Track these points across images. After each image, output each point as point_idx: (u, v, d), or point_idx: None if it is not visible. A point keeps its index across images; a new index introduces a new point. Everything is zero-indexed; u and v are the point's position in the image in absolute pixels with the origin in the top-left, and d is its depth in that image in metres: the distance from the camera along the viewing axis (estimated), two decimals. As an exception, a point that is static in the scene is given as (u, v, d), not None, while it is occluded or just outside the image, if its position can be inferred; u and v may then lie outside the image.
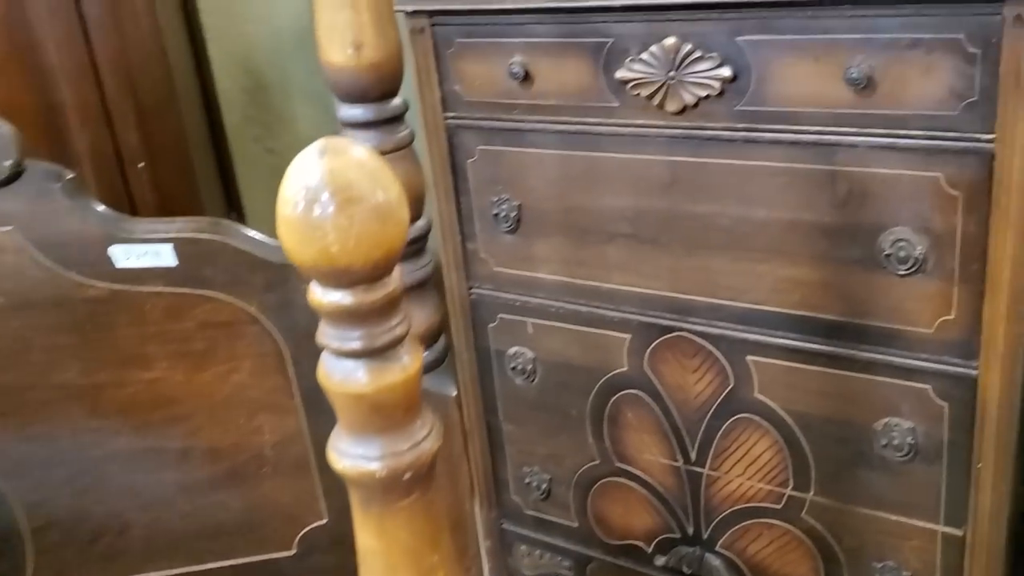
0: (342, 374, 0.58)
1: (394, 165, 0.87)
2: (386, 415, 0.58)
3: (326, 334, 0.58)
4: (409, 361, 0.58)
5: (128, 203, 1.60)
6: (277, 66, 2.29)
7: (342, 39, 0.81)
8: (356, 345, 0.57)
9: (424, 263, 0.92)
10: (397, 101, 0.86)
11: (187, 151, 1.78)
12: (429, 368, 0.93)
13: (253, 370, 0.95)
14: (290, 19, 2.34)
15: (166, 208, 1.69)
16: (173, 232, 0.90)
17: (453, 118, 1.56)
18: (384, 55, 0.82)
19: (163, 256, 0.89)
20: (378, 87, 0.84)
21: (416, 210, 0.90)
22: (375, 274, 0.55)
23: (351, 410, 0.58)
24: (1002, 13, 1.08)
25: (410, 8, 1.50)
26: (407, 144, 0.87)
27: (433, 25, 1.51)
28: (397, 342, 0.58)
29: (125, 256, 0.88)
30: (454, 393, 0.93)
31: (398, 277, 0.57)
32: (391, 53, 0.83)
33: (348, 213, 0.53)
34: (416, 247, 0.91)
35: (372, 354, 0.57)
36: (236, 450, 0.98)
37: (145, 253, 0.88)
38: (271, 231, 2.30)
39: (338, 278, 0.55)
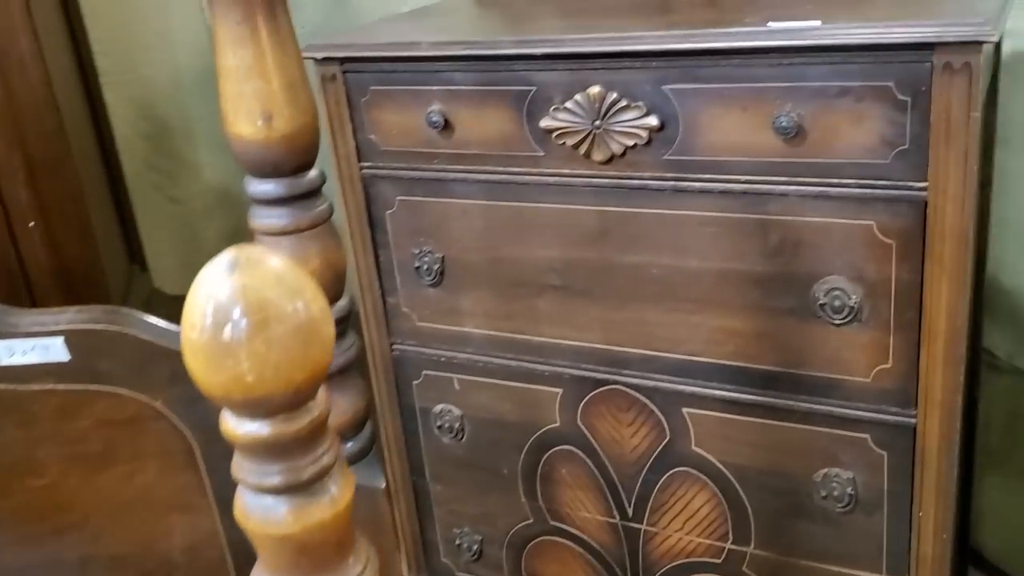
0: (262, 512, 0.50)
1: (312, 243, 0.80)
2: (314, 556, 0.51)
3: (242, 468, 0.50)
4: (338, 492, 0.51)
5: (19, 266, 1.48)
6: (179, 110, 2.19)
7: (250, 110, 0.74)
8: (277, 481, 0.50)
9: (347, 346, 0.84)
10: (313, 173, 0.79)
11: (84, 205, 1.67)
12: (355, 459, 0.85)
13: (160, 469, 0.86)
14: (191, 58, 2.23)
15: (62, 268, 1.58)
16: (63, 324, 0.80)
17: (369, 168, 1.48)
18: (297, 125, 0.75)
19: (53, 350, 0.79)
20: (291, 160, 0.77)
21: (337, 289, 0.83)
22: (297, 400, 0.48)
23: (274, 552, 0.51)
24: (931, 61, 1.07)
25: (319, 55, 1.43)
26: (325, 219, 0.80)
27: (345, 72, 1.43)
28: (324, 473, 0.51)
29: (9, 352, 0.79)
30: (383, 485, 0.85)
31: (324, 399, 0.50)
32: (305, 123, 0.76)
33: (264, 336, 0.46)
34: (338, 330, 0.84)
35: (296, 489, 0.50)
36: (143, 556, 0.88)
37: (33, 348, 0.79)
38: (176, 284, 2.17)
39: (254, 408, 0.48)
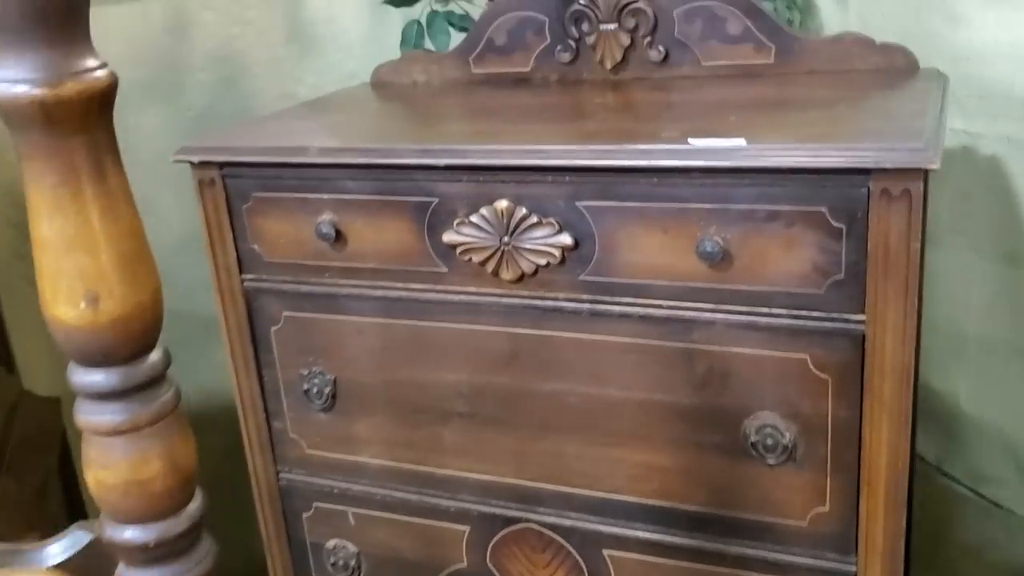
0: None
1: (153, 443, 0.65)
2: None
3: None
4: None
5: None
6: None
7: (71, 290, 0.59)
8: None
9: (201, 556, 0.69)
10: (154, 357, 0.64)
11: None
12: None
13: None
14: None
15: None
16: None
17: (252, 280, 1.33)
18: (132, 306, 0.60)
19: None
20: (125, 347, 0.62)
21: (187, 493, 0.67)
22: None
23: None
24: (868, 186, 0.98)
25: (195, 159, 1.27)
26: (170, 411, 0.65)
27: (225, 177, 1.28)
28: None
29: None
30: None
31: None
32: (142, 301, 0.61)
33: None
34: (190, 539, 0.68)
35: None
36: None
37: None
38: (45, 382, 1.93)
39: None
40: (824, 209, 1.01)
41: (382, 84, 1.63)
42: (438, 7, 1.76)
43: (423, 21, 1.76)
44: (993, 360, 1.57)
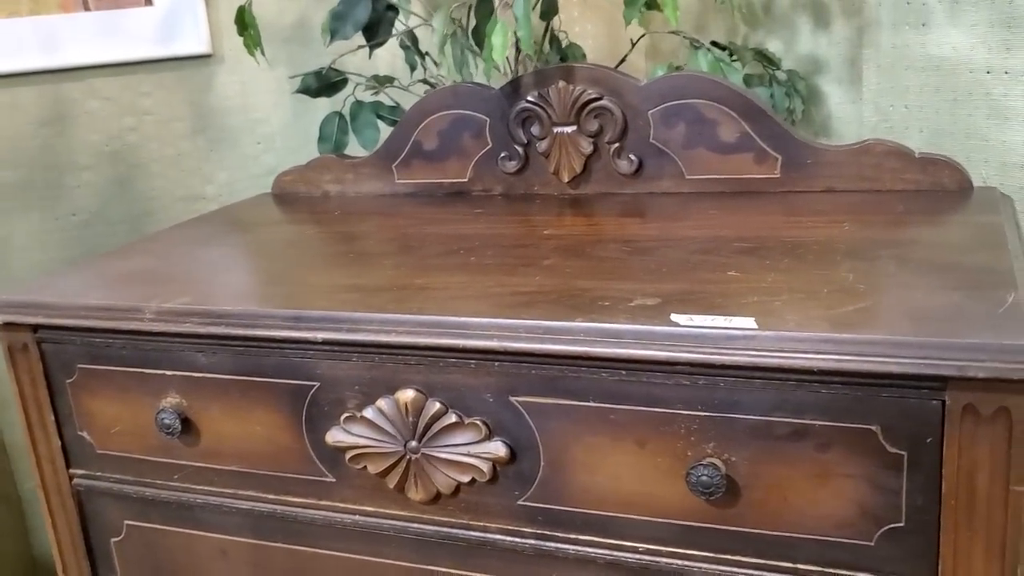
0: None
1: None
2: None
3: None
4: None
5: None
6: None
7: None
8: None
9: None
10: None
11: None
12: None
13: None
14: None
15: None
16: None
17: (84, 477, 0.98)
18: None
19: None
20: None
21: None
22: None
23: None
24: (943, 399, 0.64)
25: (1, 319, 0.93)
26: None
27: (41, 342, 0.94)
28: None
29: None
30: None
31: None
32: None
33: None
34: None
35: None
36: None
37: None
38: None
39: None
40: (875, 428, 0.67)
41: (287, 195, 1.30)
42: (364, 96, 1.44)
43: (346, 113, 1.44)
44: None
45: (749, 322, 0.69)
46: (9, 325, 0.93)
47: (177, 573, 0.97)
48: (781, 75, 1.33)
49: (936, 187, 1.02)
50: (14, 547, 1.68)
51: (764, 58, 1.32)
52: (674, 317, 0.71)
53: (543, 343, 0.73)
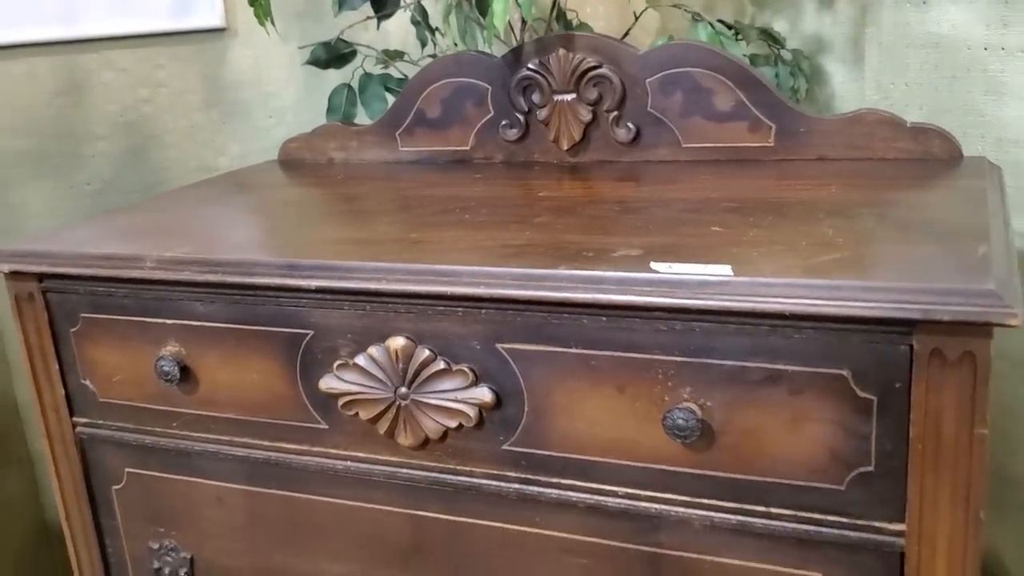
0: None
1: None
2: None
3: None
4: None
5: None
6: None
7: None
8: None
9: None
10: None
11: None
12: None
13: None
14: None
15: None
16: None
17: (87, 426, 1.01)
18: None
19: None
20: None
21: None
22: None
23: None
24: (911, 344, 0.66)
25: (5, 267, 0.96)
26: None
27: (46, 292, 0.97)
28: None
29: None
30: None
31: None
32: None
33: None
34: None
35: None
36: None
37: None
38: None
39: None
40: (846, 373, 0.69)
41: (292, 162, 1.33)
42: (373, 69, 1.46)
43: (355, 85, 1.46)
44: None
45: (725, 269, 0.71)
46: (16, 274, 0.96)
47: (175, 520, 1.00)
48: (786, 54, 1.34)
49: (927, 156, 1.03)
50: (27, 509, 1.72)
51: (769, 37, 1.33)
52: (653, 265, 0.73)
53: (527, 290, 0.75)
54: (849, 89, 1.38)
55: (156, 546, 1.01)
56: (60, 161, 1.63)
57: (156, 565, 1.02)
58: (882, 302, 0.65)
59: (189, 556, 1.00)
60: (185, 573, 1.01)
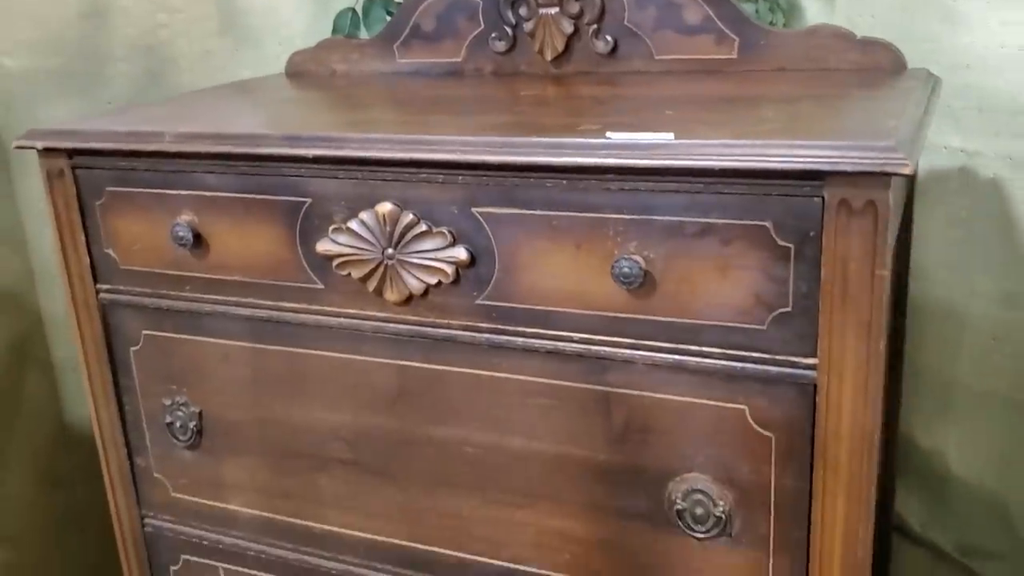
0: None
1: None
2: None
3: None
4: None
5: None
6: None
7: None
8: None
9: None
10: None
11: None
12: None
13: None
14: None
15: None
16: None
17: (109, 292, 1.13)
18: None
19: None
20: None
21: None
22: None
23: None
24: (822, 196, 0.77)
25: (40, 144, 1.07)
26: None
27: (75, 168, 1.08)
28: None
29: None
30: None
31: None
32: None
33: None
34: None
35: None
36: None
37: None
38: None
39: None
40: (768, 224, 0.80)
41: (298, 74, 1.43)
42: (377, -6, 1.57)
43: (359, 9, 1.57)
44: (986, 415, 1.34)
45: (668, 136, 0.81)
46: (48, 151, 1.08)
47: (186, 377, 1.12)
48: (766, -11, 1.43)
49: (875, 66, 1.13)
50: (47, 411, 1.84)
51: (748, -29, 1.42)
52: (608, 134, 0.84)
53: (496, 155, 0.86)
54: (821, 21, 1.48)
55: (169, 402, 1.13)
56: (85, 80, 1.73)
57: (168, 419, 1.14)
58: (797, 157, 0.76)
59: (198, 410, 1.12)
60: (194, 426, 1.12)
